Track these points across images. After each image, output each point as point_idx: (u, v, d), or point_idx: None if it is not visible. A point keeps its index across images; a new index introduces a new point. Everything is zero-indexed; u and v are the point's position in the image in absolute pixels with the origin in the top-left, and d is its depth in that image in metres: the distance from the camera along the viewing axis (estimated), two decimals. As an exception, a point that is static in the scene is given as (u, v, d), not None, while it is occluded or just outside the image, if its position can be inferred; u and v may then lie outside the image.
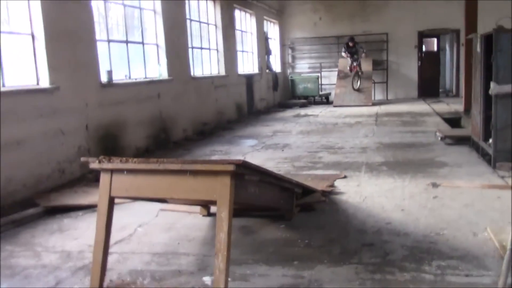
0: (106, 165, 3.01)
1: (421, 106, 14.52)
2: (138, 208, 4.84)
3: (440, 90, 18.96)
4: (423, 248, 3.54)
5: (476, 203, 4.59)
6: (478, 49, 6.42)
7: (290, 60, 19.36)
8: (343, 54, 16.75)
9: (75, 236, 4.22)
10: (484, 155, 6.44)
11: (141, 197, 3.36)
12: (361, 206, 4.69)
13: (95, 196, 5.09)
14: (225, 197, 2.72)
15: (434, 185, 5.29)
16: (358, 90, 16.33)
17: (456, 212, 4.35)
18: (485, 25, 8.98)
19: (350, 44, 16.41)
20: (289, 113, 14.57)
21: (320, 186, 5.20)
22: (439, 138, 8.06)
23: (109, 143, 7.14)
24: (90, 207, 4.95)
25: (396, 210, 4.51)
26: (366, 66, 16.75)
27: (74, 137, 6.38)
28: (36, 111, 5.68)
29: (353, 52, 16.50)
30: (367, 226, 4.09)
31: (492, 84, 5.80)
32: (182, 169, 2.81)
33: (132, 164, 2.95)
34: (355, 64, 16.47)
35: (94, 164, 3.04)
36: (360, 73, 16.63)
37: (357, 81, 16.51)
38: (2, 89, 5.33)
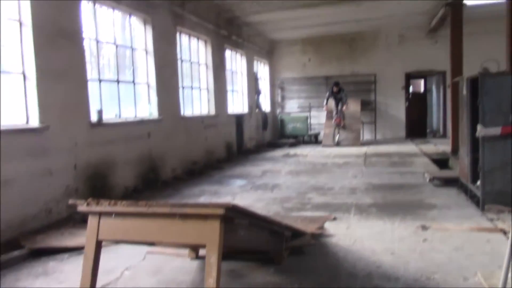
0: (94, 208, 2.98)
1: (409, 147, 14.64)
2: (125, 250, 4.76)
3: (428, 130, 19.17)
4: (414, 293, 3.51)
5: (466, 246, 4.58)
6: (464, 92, 6.54)
7: (279, 99, 19.55)
8: (324, 103, 16.28)
9: (61, 279, 4.13)
10: (472, 197, 6.46)
11: (129, 240, 3.31)
12: (351, 249, 4.66)
13: (82, 237, 5.03)
14: (214, 241, 2.69)
15: (424, 227, 5.29)
16: (338, 144, 15.81)
17: (446, 256, 4.34)
18: (470, 66, 9.20)
19: (335, 89, 15.94)
20: (279, 152, 14.61)
21: (309, 228, 5.17)
22: (428, 179, 8.11)
23: (98, 183, 7.09)
24: (77, 249, 4.87)
25: (386, 253, 4.48)
26: (355, 106, 16.95)
27: (62, 176, 6.32)
28: (25, 150, 5.65)
29: (337, 99, 16.09)
30: (358, 270, 4.05)
31: (478, 127, 5.89)
32: (171, 213, 2.80)
33: (120, 207, 2.93)
34: (337, 116, 16.08)
35: (82, 207, 3.01)
36: (342, 124, 16.24)
37: (338, 135, 16.08)
38: (-9, 128, 5.31)
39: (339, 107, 16.13)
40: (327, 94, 16.33)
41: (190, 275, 4.10)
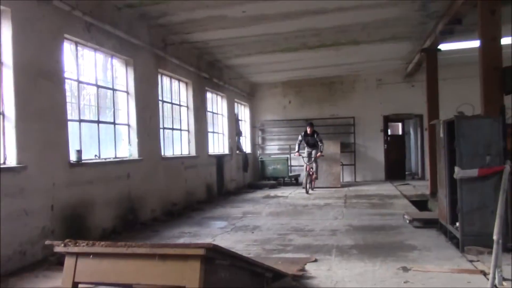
0: (72, 248, 2.92)
1: (389, 188, 14.75)
2: (102, 293, 4.64)
3: (407, 172, 19.38)
4: (396, 336, 3.46)
5: (447, 288, 4.57)
6: (441, 135, 6.67)
7: (260, 141, 19.66)
8: (296, 148, 14.82)
9: (33, 324, 3.98)
10: (452, 238, 6.49)
11: (107, 282, 3.23)
12: (332, 291, 4.61)
13: (57, 280, 4.90)
14: (194, 283, 2.65)
15: (405, 269, 5.27)
16: (308, 193, 13.90)
17: (427, 298, 4.31)
18: (446, 110, 9.41)
19: (309, 130, 14.60)
20: (259, 194, 14.56)
21: (290, 270, 5.11)
22: (407, 221, 8.14)
23: (75, 224, 6.95)
24: (51, 293, 4.73)
25: (367, 295, 4.44)
26: (334, 148, 17.07)
27: (39, 217, 6.20)
28: (1, 190, 5.54)
29: (310, 143, 14.69)
30: (339, 313, 4.00)
31: (456, 169, 5.98)
32: (151, 253, 2.75)
33: (99, 248, 2.88)
34: (308, 164, 14.48)
35: (59, 248, 2.95)
36: (314, 177, 14.78)
37: (310, 185, 14.31)
38: (-33, 167, 5.23)
39: (313, 154, 14.72)
40: (299, 138, 14.89)
41: (169, 319, 4.00)
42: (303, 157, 14.82)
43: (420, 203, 11.30)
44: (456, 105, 6.51)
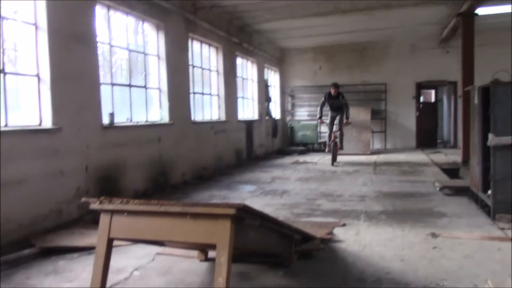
0: (107, 206, 3.01)
1: (419, 156, 14.58)
2: (134, 251, 4.79)
3: (438, 140, 19.07)
4: (423, 299, 3.49)
5: (476, 254, 4.55)
6: (476, 101, 6.52)
7: (289, 107, 19.57)
8: (318, 115, 12.76)
9: (70, 278, 4.15)
10: (483, 206, 6.42)
11: (140, 239, 3.34)
12: (360, 255, 4.64)
13: (92, 238, 5.08)
14: (225, 241, 2.71)
15: (434, 235, 5.26)
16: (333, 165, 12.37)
17: (456, 263, 4.31)
18: (482, 78, 9.16)
19: (333, 91, 12.39)
20: (288, 159, 14.60)
21: (319, 233, 5.17)
22: (438, 189, 8.07)
23: (108, 185, 7.13)
24: (86, 249, 4.91)
25: (395, 259, 4.47)
26: (365, 115, 16.89)
27: (74, 178, 6.38)
28: (38, 151, 5.71)
29: (334, 106, 12.54)
30: (367, 275, 4.04)
31: (490, 136, 5.86)
32: (183, 212, 2.81)
33: (132, 206, 2.95)
34: (335, 129, 12.66)
35: (95, 205, 3.04)
36: (339, 147, 12.94)
37: (335, 157, 12.68)
38: (5, 128, 5.38)
39: (337, 120, 12.73)
40: (322, 100, 12.70)
41: (199, 276, 4.12)
42: (326, 124, 12.99)
43: (451, 171, 11.14)
44: (492, 71, 6.33)
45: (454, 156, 13.54)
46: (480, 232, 5.36)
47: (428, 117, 18.44)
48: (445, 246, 4.87)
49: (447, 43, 16.49)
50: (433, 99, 19.84)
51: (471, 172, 7.29)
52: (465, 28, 11.95)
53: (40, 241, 5.10)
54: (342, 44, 17.98)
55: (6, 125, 5.47)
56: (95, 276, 3.00)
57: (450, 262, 4.35)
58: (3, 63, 5.51)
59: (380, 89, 18.13)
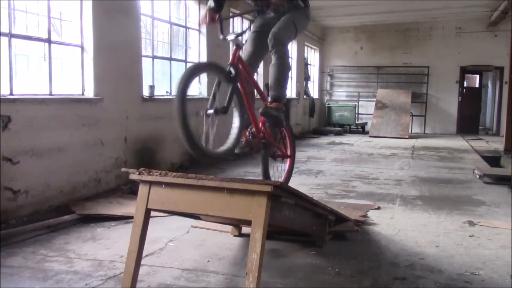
0: (146, 177, 3.05)
1: (459, 143, 14.25)
2: (169, 223, 4.88)
3: (480, 127, 18.59)
4: (457, 286, 3.43)
5: (514, 245, 4.45)
6: (524, 88, 6.30)
7: (328, 87, 19.37)
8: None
9: (107, 245, 4.27)
10: (524, 196, 6.26)
11: (177, 211, 3.39)
12: (394, 239, 4.60)
13: (129, 207, 5.20)
14: (260, 218, 2.71)
15: (471, 223, 5.16)
16: None
17: (492, 253, 4.22)
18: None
19: None
20: (324, 140, 14.51)
21: (353, 215, 5.14)
22: (477, 176, 7.88)
23: (146, 157, 7.25)
24: (123, 218, 5.03)
25: (430, 245, 4.40)
26: (405, 97, 16.56)
27: (113, 148, 6.51)
28: (79, 120, 5.84)
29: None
30: (400, 260, 4.00)
31: (536, 125, 5.66)
32: (220, 187, 2.83)
33: (171, 178, 2.99)
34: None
35: (134, 176, 3.09)
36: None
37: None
38: (49, 97, 5.52)
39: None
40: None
41: (232, 251, 4.17)
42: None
43: (492, 159, 10.85)
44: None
45: (496, 144, 13.18)
46: (520, 223, 5.23)
47: (471, 103, 17.95)
48: (482, 235, 4.77)
49: (496, 26, 15.93)
50: (477, 84, 19.27)
51: (513, 161, 7.09)
52: (516, 12, 11.51)
53: (79, 208, 5.25)
54: (385, 24, 17.62)
55: (50, 94, 5.61)
56: (132, 245, 3.07)
57: (487, 251, 4.26)
58: (50, 32, 5.61)
59: (422, 72, 17.74)
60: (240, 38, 3.89)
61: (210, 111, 3.64)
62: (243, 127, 3.79)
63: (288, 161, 4.86)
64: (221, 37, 4.03)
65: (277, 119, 4.11)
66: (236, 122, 3.74)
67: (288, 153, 4.81)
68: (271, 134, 4.28)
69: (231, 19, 10.52)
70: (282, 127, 4.65)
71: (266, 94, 4.18)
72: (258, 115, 4.15)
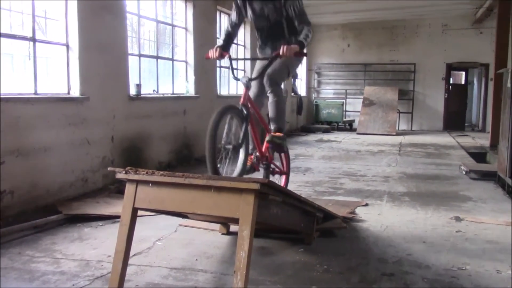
0: (132, 176, 3.03)
1: (446, 139, 14.36)
2: (157, 222, 4.86)
3: (466, 124, 18.75)
4: (445, 281, 3.46)
5: (500, 240, 4.49)
6: (509, 84, 6.36)
7: (315, 85, 19.41)
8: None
9: (95, 245, 4.24)
10: (510, 192, 6.32)
11: (164, 210, 3.37)
12: (382, 235, 4.62)
13: (116, 207, 5.17)
14: (247, 215, 2.71)
15: (458, 219, 5.20)
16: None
17: (479, 248, 4.26)
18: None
19: None
20: (312, 137, 14.55)
21: (341, 212, 5.15)
22: (464, 172, 7.95)
23: (133, 156, 7.21)
24: (111, 218, 5.00)
25: (417, 241, 4.43)
26: (392, 94, 16.66)
27: (99, 147, 6.46)
28: (65, 119, 5.78)
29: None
30: (388, 256, 4.03)
31: (521, 121, 5.72)
32: (207, 185, 2.82)
33: (157, 177, 2.97)
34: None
35: (121, 175, 3.07)
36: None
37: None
38: (34, 96, 5.46)
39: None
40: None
41: (220, 249, 4.16)
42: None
43: (479, 155, 10.96)
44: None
45: (481, 140, 13.31)
46: (506, 218, 5.27)
47: (457, 99, 18.11)
48: (469, 230, 4.81)
49: (481, 23, 16.09)
50: (463, 81, 19.43)
51: (499, 156, 7.15)
52: (501, 8, 11.61)
53: (66, 208, 5.21)
54: (372, 21, 17.69)
55: (35, 93, 5.55)
56: (119, 244, 3.05)
57: (473, 247, 4.30)
58: (34, 31, 5.55)
59: (409, 69, 17.85)
60: (250, 82, 4.50)
61: (229, 147, 4.23)
62: (248, 154, 4.35)
63: (283, 177, 5.48)
64: (233, 77, 4.70)
65: (280, 146, 4.82)
66: (242, 152, 4.25)
67: (285, 170, 5.47)
68: (273, 158, 5.02)
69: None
70: (284, 152, 5.36)
71: (267, 121, 4.86)
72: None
